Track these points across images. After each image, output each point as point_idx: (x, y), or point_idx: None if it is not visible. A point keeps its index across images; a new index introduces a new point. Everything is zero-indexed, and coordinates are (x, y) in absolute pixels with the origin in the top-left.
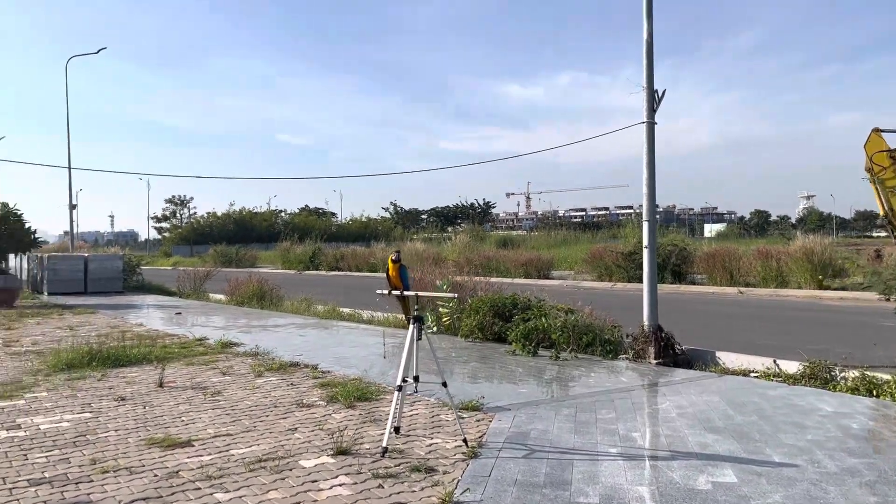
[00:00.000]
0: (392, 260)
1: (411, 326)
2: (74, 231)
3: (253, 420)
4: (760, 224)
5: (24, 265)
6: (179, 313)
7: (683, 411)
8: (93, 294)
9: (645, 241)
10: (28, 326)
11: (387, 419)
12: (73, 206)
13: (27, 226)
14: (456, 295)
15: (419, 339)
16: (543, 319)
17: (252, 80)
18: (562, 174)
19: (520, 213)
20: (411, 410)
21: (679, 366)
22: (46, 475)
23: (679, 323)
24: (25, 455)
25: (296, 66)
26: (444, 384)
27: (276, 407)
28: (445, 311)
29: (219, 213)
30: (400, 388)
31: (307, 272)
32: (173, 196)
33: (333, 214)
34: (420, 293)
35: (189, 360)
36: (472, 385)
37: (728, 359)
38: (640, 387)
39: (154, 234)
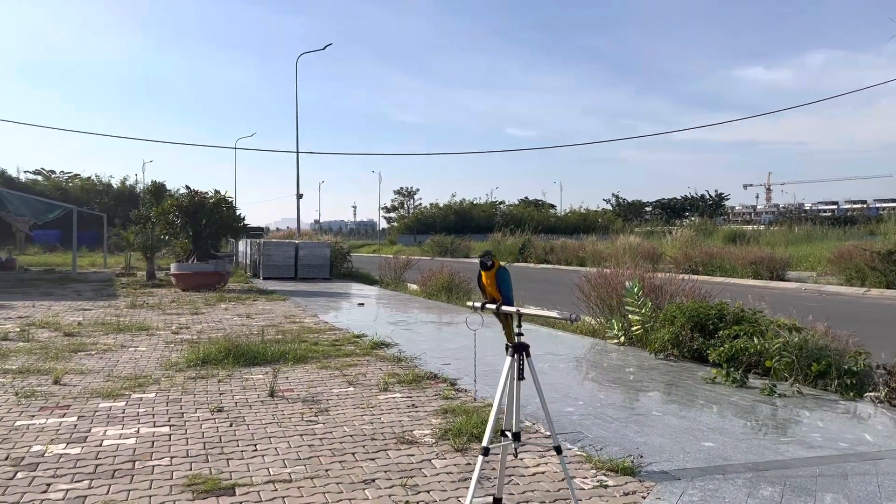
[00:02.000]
0: (483, 264)
1: (509, 359)
2: (301, 219)
3: (333, 458)
4: None
5: (248, 250)
6: (362, 304)
7: None
8: (301, 280)
9: None
10: (215, 311)
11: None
12: (299, 196)
13: (237, 213)
14: (571, 315)
15: (521, 377)
16: (756, 339)
17: (479, 75)
18: (812, 164)
19: (758, 206)
20: (538, 465)
21: None
22: None
23: None
24: (48, 486)
25: (523, 60)
26: (558, 449)
27: (373, 440)
28: (636, 318)
29: (441, 205)
30: (486, 452)
31: (516, 264)
32: (401, 188)
33: (552, 206)
34: (522, 311)
35: (326, 363)
36: (638, 428)
37: None
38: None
39: (385, 224)
